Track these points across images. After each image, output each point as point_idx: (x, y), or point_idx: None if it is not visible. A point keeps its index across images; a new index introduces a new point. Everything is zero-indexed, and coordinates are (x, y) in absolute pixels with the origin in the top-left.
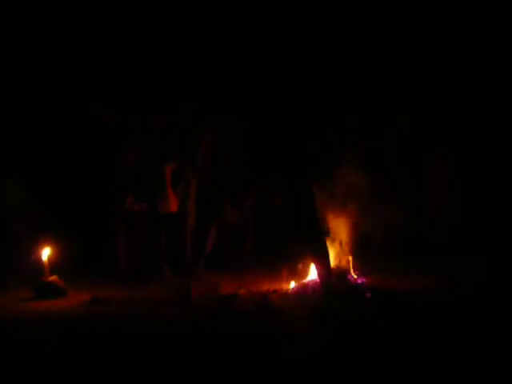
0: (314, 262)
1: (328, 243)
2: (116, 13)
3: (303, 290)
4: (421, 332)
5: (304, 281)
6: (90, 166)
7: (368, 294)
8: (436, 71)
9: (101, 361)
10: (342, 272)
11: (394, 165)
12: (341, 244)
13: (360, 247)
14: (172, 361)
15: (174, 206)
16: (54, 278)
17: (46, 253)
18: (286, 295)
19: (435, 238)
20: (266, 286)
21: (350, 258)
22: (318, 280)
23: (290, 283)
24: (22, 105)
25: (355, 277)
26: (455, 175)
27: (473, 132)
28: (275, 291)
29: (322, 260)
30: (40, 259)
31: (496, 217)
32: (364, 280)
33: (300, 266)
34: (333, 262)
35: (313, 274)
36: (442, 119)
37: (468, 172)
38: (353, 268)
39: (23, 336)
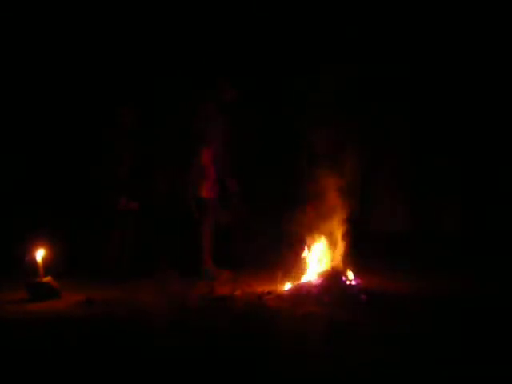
0: None
1: (324, 243)
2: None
3: (298, 291)
4: (416, 336)
5: (299, 282)
6: (84, 166)
7: (363, 296)
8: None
9: (98, 363)
10: (336, 273)
11: (394, 164)
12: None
13: (356, 247)
14: (167, 364)
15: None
16: (48, 278)
17: (40, 254)
18: (280, 296)
19: (435, 239)
20: (261, 288)
21: (346, 258)
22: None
23: (284, 284)
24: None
25: (350, 278)
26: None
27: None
28: (270, 292)
29: None
30: (34, 260)
31: (497, 217)
32: (359, 281)
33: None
34: (327, 262)
35: (308, 275)
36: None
37: (468, 171)
38: (348, 269)
39: (17, 338)
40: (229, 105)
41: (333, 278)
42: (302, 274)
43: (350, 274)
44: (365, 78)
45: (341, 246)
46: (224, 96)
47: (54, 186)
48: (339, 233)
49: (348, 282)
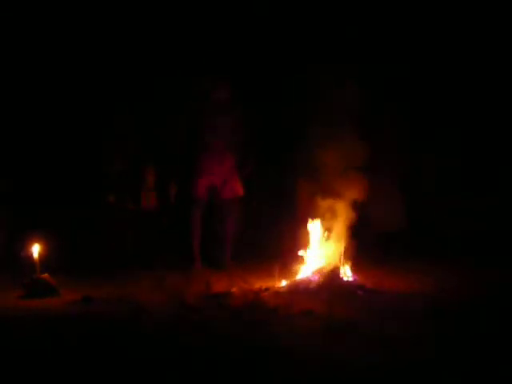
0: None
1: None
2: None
3: (295, 287)
4: (414, 334)
5: (296, 278)
6: (79, 165)
7: (359, 292)
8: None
9: (95, 362)
10: (333, 269)
11: (394, 163)
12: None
13: (356, 245)
14: (166, 363)
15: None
16: (45, 275)
17: (36, 250)
18: (277, 293)
19: (435, 238)
20: (258, 284)
21: (342, 253)
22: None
23: (281, 281)
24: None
25: (348, 275)
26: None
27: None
28: (267, 289)
29: None
30: (30, 256)
31: (497, 216)
32: (356, 278)
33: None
34: (325, 259)
35: (305, 271)
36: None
37: (468, 170)
38: (345, 264)
39: (13, 336)
40: (223, 104)
41: (330, 274)
42: (300, 270)
43: (348, 271)
44: (365, 77)
45: (340, 243)
46: (216, 95)
47: (51, 183)
48: (339, 230)
49: (345, 279)
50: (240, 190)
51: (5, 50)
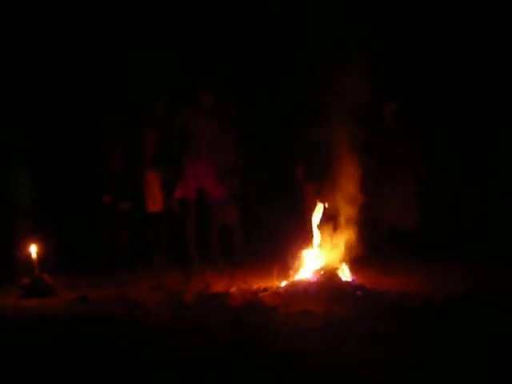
0: None
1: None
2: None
3: (294, 288)
4: (413, 334)
5: (295, 279)
6: (79, 166)
7: (359, 292)
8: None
9: (93, 362)
10: (332, 270)
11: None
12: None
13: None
14: (163, 363)
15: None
16: (43, 275)
17: (33, 250)
18: (276, 293)
19: (437, 237)
20: (257, 284)
21: (342, 252)
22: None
23: (280, 281)
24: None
25: (347, 275)
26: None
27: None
28: (266, 289)
29: None
30: (29, 257)
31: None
32: (355, 278)
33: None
34: (325, 259)
35: (304, 272)
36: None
37: (479, 169)
38: (344, 264)
39: (11, 336)
40: (210, 107)
41: (329, 274)
42: (299, 270)
43: (347, 271)
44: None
45: (341, 242)
46: (203, 99)
47: (50, 183)
48: (340, 229)
49: (345, 279)
50: (227, 189)
51: (5, 51)
